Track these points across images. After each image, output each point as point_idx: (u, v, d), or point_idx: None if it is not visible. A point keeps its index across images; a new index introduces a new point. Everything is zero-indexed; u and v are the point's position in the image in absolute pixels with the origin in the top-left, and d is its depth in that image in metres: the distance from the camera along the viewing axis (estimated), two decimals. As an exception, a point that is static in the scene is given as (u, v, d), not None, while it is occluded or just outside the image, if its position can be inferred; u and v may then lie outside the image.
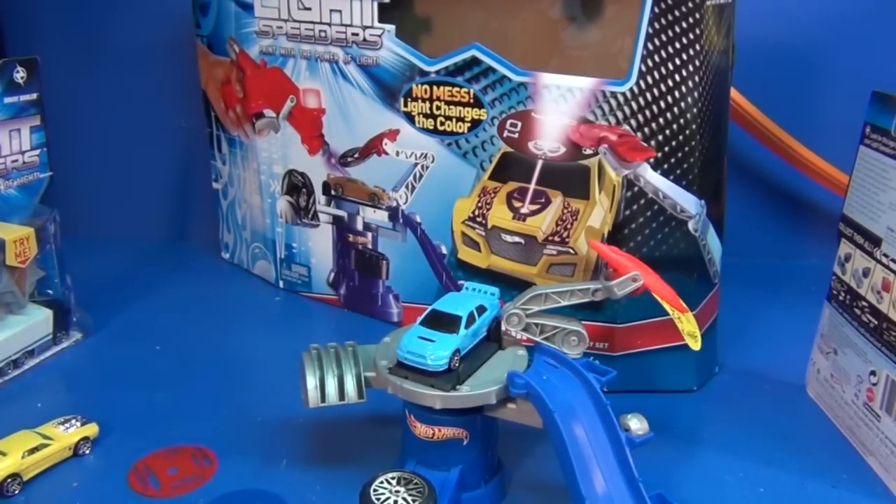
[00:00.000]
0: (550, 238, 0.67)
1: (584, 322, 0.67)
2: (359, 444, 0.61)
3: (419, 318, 0.54)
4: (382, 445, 0.59)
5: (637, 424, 0.49)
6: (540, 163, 0.67)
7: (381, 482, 0.49)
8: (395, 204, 0.77)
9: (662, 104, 0.62)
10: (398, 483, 0.49)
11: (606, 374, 0.53)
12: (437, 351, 0.51)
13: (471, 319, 0.54)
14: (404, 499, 0.48)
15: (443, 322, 0.53)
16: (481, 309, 0.55)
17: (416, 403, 0.51)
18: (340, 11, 0.74)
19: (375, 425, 0.63)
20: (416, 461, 0.53)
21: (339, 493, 0.55)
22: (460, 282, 0.72)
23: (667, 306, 0.57)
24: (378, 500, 0.48)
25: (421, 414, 0.52)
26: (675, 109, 0.62)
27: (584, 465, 0.47)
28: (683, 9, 0.60)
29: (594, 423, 0.49)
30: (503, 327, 0.56)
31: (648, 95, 0.62)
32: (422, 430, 0.52)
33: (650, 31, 0.60)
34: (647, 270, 0.56)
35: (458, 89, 0.69)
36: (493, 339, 0.56)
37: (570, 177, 0.66)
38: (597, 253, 0.62)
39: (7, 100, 0.71)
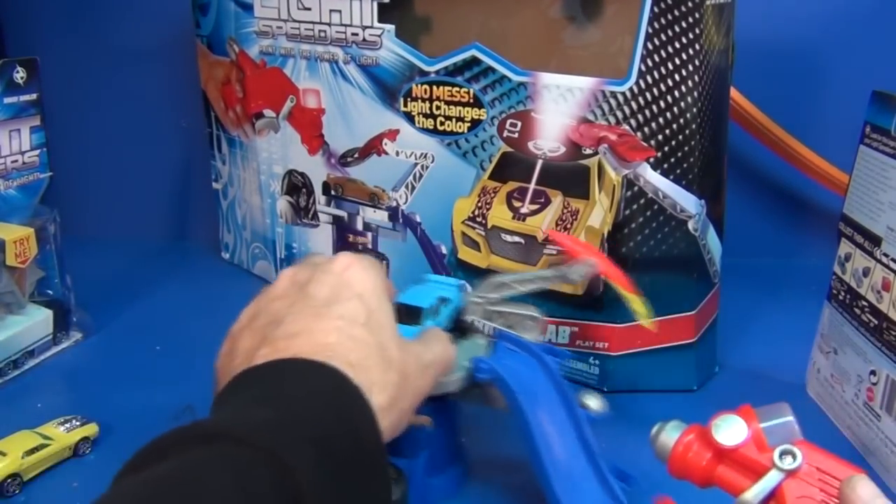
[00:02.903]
0: (550, 238, 0.67)
1: (584, 322, 0.68)
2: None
3: None
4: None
5: (594, 402, 0.52)
6: (540, 163, 0.67)
7: None
8: (395, 204, 0.77)
9: (662, 104, 0.62)
10: None
11: (563, 356, 0.55)
12: None
13: (433, 310, 0.55)
14: None
15: (406, 314, 0.54)
16: (444, 300, 0.57)
17: None
18: (340, 11, 0.74)
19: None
20: None
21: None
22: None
23: (619, 289, 0.60)
24: None
25: None
26: (675, 109, 0.62)
27: (547, 443, 0.50)
28: (683, 8, 0.60)
29: (554, 403, 0.52)
30: (466, 317, 0.58)
31: (648, 95, 0.62)
32: None
33: (650, 30, 0.60)
34: (599, 255, 0.59)
35: (457, 89, 0.69)
36: (456, 328, 0.58)
37: (569, 177, 0.66)
38: (555, 240, 0.63)
39: (7, 100, 0.71)
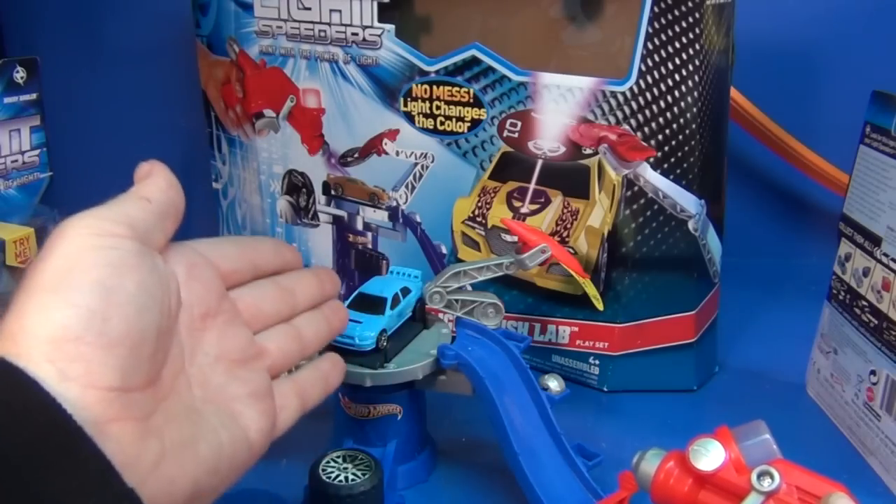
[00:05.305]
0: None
1: (584, 322, 0.68)
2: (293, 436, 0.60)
3: (346, 301, 0.57)
4: (317, 433, 0.59)
5: (555, 384, 0.55)
6: (540, 162, 0.67)
7: (328, 461, 0.51)
8: (395, 204, 0.77)
9: (662, 104, 0.62)
10: (344, 461, 0.51)
11: (524, 340, 0.57)
12: (365, 331, 0.54)
13: (395, 301, 0.57)
14: (353, 474, 0.50)
15: (369, 304, 0.56)
16: (405, 291, 0.58)
17: (349, 383, 0.53)
18: (340, 11, 0.74)
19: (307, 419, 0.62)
20: (353, 440, 0.56)
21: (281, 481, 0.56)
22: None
23: (573, 273, 0.63)
24: (329, 477, 0.50)
25: (356, 394, 0.55)
26: (675, 109, 0.62)
27: (513, 423, 0.52)
28: (683, 8, 0.60)
29: (518, 386, 0.54)
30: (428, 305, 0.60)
31: (648, 95, 0.62)
32: (357, 409, 0.55)
33: (650, 30, 0.60)
34: (552, 242, 0.61)
35: (457, 89, 0.69)
36: (419, 318, 0.59)
37: (569, 176, 0.66)
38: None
39: (7, 100, 0.71)
